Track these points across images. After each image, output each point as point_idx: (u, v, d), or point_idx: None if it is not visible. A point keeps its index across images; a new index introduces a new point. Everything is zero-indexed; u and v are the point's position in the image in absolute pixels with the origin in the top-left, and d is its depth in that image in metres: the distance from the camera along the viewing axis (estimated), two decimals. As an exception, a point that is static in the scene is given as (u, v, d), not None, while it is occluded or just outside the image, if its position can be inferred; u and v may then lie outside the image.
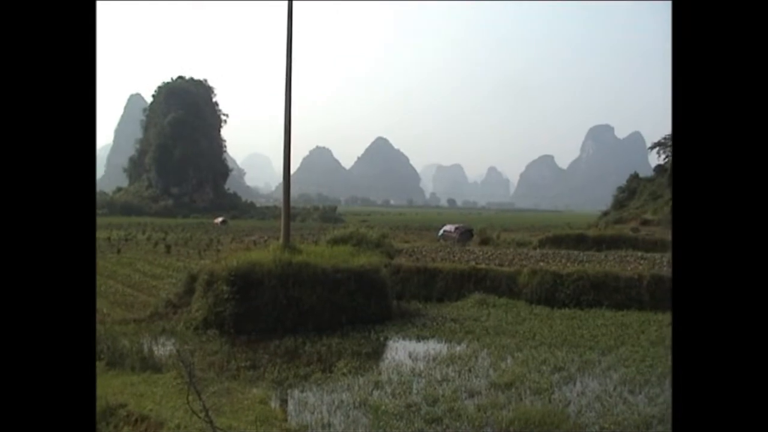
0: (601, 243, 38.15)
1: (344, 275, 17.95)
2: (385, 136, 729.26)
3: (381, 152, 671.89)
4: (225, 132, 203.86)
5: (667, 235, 47.61)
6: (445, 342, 15.48)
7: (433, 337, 16.09)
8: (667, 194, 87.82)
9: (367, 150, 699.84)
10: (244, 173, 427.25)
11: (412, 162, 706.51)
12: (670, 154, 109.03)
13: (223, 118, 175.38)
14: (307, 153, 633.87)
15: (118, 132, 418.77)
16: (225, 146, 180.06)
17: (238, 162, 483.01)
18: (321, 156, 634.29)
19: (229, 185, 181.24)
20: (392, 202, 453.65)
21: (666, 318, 17.83)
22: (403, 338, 16.06)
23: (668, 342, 14.83)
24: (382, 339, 15.99)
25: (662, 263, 23.80)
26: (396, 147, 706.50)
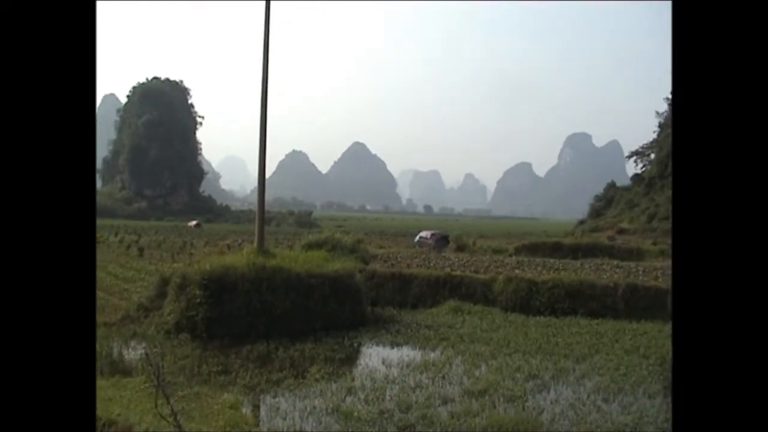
0: (577, 251, 38.50)
1: (318, 280, 17.91)
2: (362, 141, 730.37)
3: (358, 157, 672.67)
4: (201, 134, 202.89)
5: (643, 244, 48.22)
6: (419, 349, 15.52)
7: (407, 343, 16.12)
8: (644, 203, 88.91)
9: (344, 155, 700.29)
10: (220, 176, 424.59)
11: (389, 167, 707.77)
12: (647, 163, 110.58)
13: (199, 120, 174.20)
14: (283, 157, 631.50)
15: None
16: (200, 148, 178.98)
17: (214, 165, 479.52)
18: (297, 160, 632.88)
19: (204, 188, 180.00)
20: (368, 207, 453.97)
21: (641, 327, 18.04)
22: (377, 344, 16.05)
23: (642, 351, 15.02)
24: (355, 345, 15.97)
25: (638, 272, 24.06)
26: (373, 152, 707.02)
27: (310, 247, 25.69)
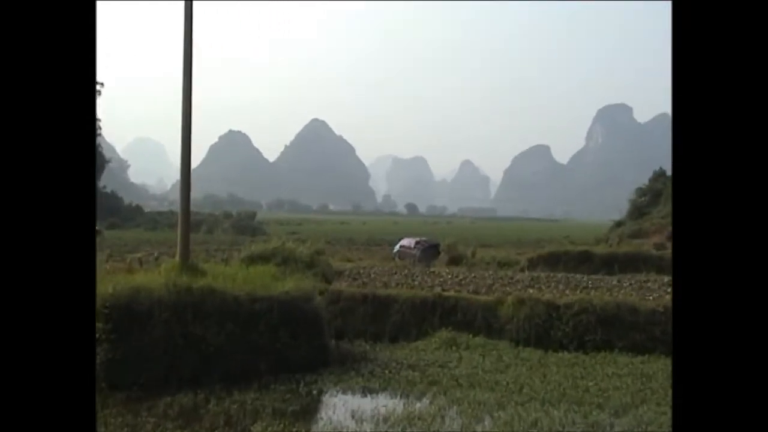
0: (613, 263, 38.58)
1: (264, 306, 17.78)
2: (322, 118, 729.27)
3: (317, 139, 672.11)
4: (101, 107, 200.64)
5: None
6: (401, 396, 15.48)
7: (384, 389, 16.06)
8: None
9: (299, 136, 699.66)
10: (128, 165, 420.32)
11: (359, 153, 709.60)
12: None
13: (97, 87, 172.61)
14: (216, 139, 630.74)
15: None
16: (99, 126, 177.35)
17: (119, 149, 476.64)
18: (235, 143, 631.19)
19: (106, 182, 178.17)
20: (332, 206, 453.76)
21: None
22: (344, 391, 16.00)
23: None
24: (315, 393, 15.91)
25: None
26: (337, 132, 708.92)
27: (253, 260, 25.54)
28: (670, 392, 15.63)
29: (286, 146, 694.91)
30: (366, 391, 16.02)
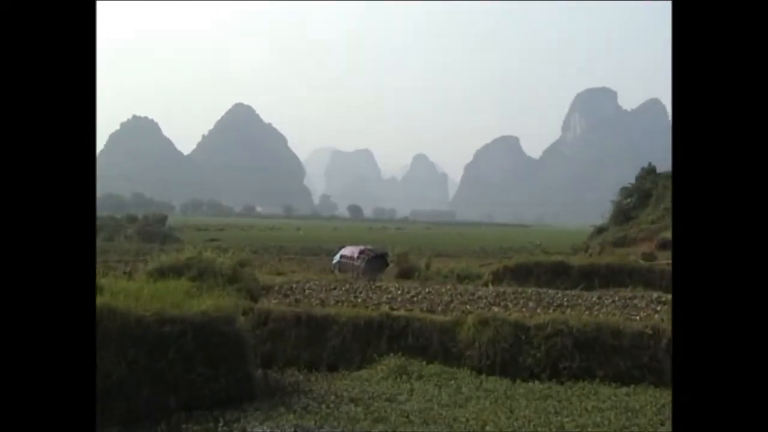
0: (593, 276, 38.97)
1: (175, 329, 17.63)
2: (247, 103, 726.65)
3: (241, 128, 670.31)
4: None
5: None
6: (342, 436, 15.41)
7: (321, 427, 16.02)
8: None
9: (220, 124, 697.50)
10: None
11: (292, 145, 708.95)
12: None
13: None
14: (117, 127, 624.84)
15: None
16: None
17: None
18: (141, 132, 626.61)
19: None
20: (259, 209, 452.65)
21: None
22: (273, 430, 15.91)
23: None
24: (236, 432, 15.80)
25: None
26: (266, 120, 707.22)
27: (162, 274, 25.31)
28: (660, 430, 15.85)
29: (203, 136, 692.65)
30: (299, 430, 15.96)
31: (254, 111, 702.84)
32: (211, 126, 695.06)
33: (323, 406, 17.38)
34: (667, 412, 17.06)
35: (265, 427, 16.13)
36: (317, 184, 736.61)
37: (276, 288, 29.18)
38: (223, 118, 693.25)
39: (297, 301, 25.87)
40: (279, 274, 39.62)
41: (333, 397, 18.18)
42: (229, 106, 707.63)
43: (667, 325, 21.27)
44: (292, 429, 16.04)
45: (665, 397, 18.32)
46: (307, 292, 28.54)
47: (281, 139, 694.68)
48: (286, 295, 27.37)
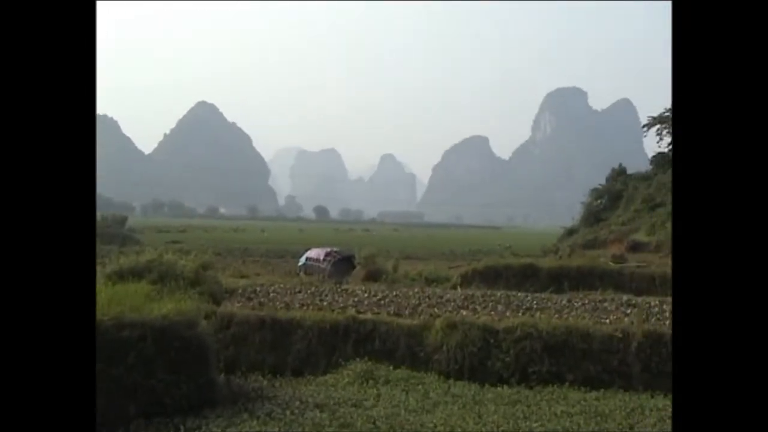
0: (563, 279, 39.13)
1: (135, 333, 17.50)
2: (211, 102, 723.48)
3: (205, 127, 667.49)
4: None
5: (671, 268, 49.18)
6: (306, 443, 15.36)
7: (285, 434, 15.96)
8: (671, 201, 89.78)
9: (182, 123, 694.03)
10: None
11: (256, 145, 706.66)
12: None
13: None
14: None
15: None
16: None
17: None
18: (100, 130, 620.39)
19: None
20: (223, 210, 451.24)
21: (670, 404, 18.31)
22: (236, 438, 15.83)
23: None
24: (198, 440, 15.72)
25: (662, 313, 24.52)
26: (230, 119, 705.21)
27: (121, 276, 25.14)
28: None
29: (165, 135, 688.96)
30: (262, 436, 15.90)
31: (218, 110, 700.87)
32: (173, 125, 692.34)
33: (287, 413, 17.29)
34: (636, 416, 17.20)
35: (226, 435, 16.05)
36: (282, 184, 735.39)
37: (239, 291, 29.04)
38: (185, 116, 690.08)
39: (261, 304, 25.76)
40: (243, 276, 39.46)
41: (298, 402, 18.08)
42: (192, 105, 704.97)
43: (636, 327, 21.43)
44: (256, 435, 15.99)
45: (634, 401, 18.46)
46: (271, 295, 28.40)
47: (245, 139, 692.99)
48: (249, 299, 27.25)
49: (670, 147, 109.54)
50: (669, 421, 16.73)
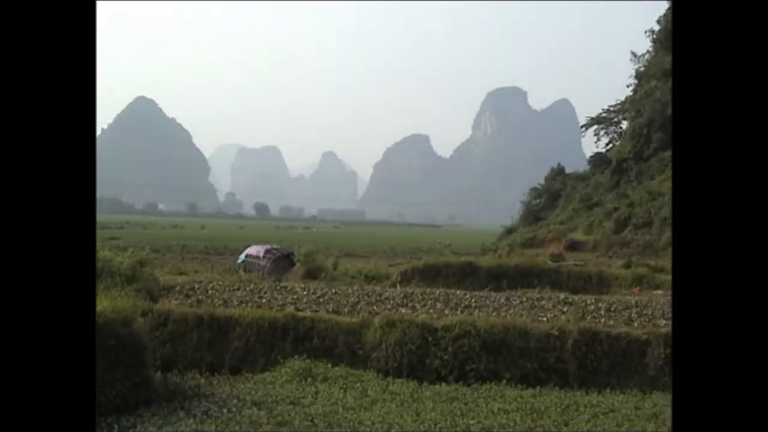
0: (502, 277, 39.36)
1: (69, 330, 17.35)
2: (150, 97, 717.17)
3: (143, 123, 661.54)
4: None
5: (608, 266, 49.82)
6: (243, 441, 15.30)
7: (222, 432, 15.88)
8: (610, 200, 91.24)
9: (120, 118, 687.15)
10: None
11: (196, 141, 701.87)
12: (615, 135, 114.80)
13: None
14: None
15: None
16: None
17: None
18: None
19: None
20: (161, 206, 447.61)
21: (604, 400, 18.50)
22: (171, 437, 15.72)
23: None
24: (133, 439, 15.58)
25: (599, 311, 24.75)
26: (170, 115, 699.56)
27: (56, 273, 24.90)
28: (562, 430, 16.09)
29: (103, 129, 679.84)
30: (198, 435, 15.80)
31: (157, 105, 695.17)
32: (110, 119, 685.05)
33: (225, 410, 17.21)
34: (571, 413, 17.35)
35: (162, 433, 15.92)
36: (223, 181, 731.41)
37: (177, 288, 28.80)
38: (123, 111, 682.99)
39: (199, 301, 25.61)
40: (181, 273, 39.15)
41: (235, 400, 18.01)
42: (130, 100, 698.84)
43: (572, 325, 21.61)
44: (192, 433, 15.88)
45: (569, 398, 18.64)
46: (209, 292, 28.25)
47: (185, 135, 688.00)
48: (187, 296, 27.06)
49: (608, 147, 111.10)
50: (603, 418, 17.02)
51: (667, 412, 17.28)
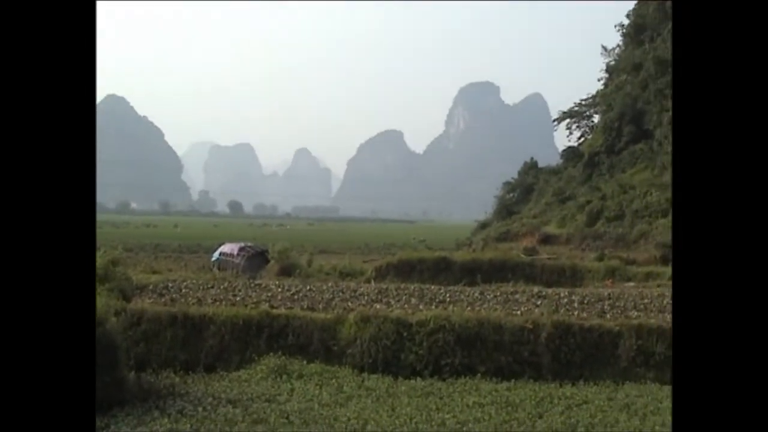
0: (476, 272, 39.33)
1: (41, 331, 17.26)
2: (121, 95, 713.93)
3: (115, 121, 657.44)
4: None
5: (582, 260, 50.01)
6: (219, 440, 15.29)
7: (196, 431, 15.83)
8: (583, 194, 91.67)
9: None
10: None
11: (169, 139, 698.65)
12: (587, 129, 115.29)
13: None
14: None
15: None
16: None
17: None
18: None
19: None
20: (134, 205, 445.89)
21: (578, 393, 18.61)
22: (146, 436, 15.65)
23: (579, 431, 15.56)
24: (107, 438, 15.52)
25: (572, 304, 24.86)
26: (141, 113, 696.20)
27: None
28: (538, 423, 16.15)
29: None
30: (173, 434, 15.75)
31: (128, 103, 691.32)
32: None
33: (200, 409, 17.13)
34: (545, 405, 17.44)
35: (137, 433, 15.85)
36: (196, 179, 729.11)
37: (151, 287, 28.67)
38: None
39: (173, 300, 25.50)
40: (154, 272, 39.00)
41: (210, 399, 17.94)
42: (101, 97, 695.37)
43: (546, 318, 21.69)
44: (167, 432, 15.82)
45: (544, 390, 18.71)
46: (183, 291, 28.14)
47: (157, 133, 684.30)
48: (161, 295, 26.95)
49: (580, 141, 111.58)
50: (576, 409, 17.10)
51: (639, 403, 17.44)
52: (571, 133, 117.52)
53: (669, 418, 16.08)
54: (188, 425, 16.13)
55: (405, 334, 21.19)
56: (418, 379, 20.03)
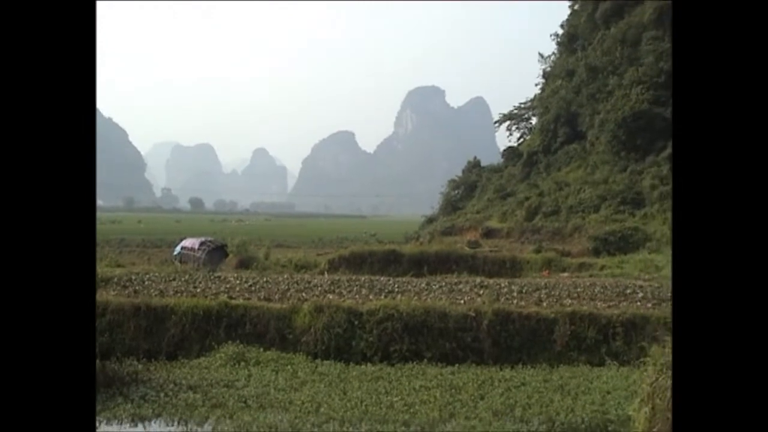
0: (423, 264, 39.55)
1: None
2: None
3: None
4: None
5: (521, 252, 50.36)
6: (179, 423, 15.34)
7: (158, 416, 15.79)
8: (522, 191, 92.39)
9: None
10: None
11: (132, 139, 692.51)
12: (526, 130, 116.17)
13: None
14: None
15: None
16: None
17: None
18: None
19: None
20: (100, 202, 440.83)
21: (517, 375, 18.79)
22: (109, 421, 15.57)
23: (520, 412, 15.71)
24: (74, 423, 15.30)
25: (512, 293, 25.00)
26: (106, 114, 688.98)
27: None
28: (479, 404, 16.24)
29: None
30: (136, 419, 15.64)
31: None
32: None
33: (162, 395, 17.08)
34: (487, 387, 17.58)
35: (101, 418, 15.70)
36: (159, 177, 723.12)
37: (115, 280, 28.45)
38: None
39: (136, 292, 25.32)
40: (119, 266, 38.75)
41: (172, 385, 17.86)
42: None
43: (487, 306, 21.80)
44: (130, 418, 15.69)
45: (485, 374, 18.87)
46: (146, 283, 27.96)
47: (121, 133, 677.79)
48: (125, 287, 26.74)
49: (519, 141, 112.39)
50: (515, 391, 17.25)
51: (572, 383, 17.64)
52: (511, 134, 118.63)
53: (599, 397, 16.32)
54: (150, 410, 16.07)
55: (356, 322, 21.21)
56: (369, 364, 20.08)
